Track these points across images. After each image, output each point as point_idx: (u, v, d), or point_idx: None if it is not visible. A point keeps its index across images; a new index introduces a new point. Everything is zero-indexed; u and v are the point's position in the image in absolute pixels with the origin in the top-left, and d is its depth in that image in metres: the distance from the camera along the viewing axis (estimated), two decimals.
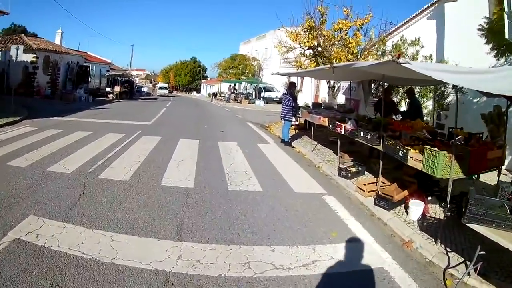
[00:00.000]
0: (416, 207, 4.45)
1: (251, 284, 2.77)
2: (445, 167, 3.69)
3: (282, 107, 9.11)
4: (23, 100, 14.78)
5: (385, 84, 8.96)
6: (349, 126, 5.65)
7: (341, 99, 12.95)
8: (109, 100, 23.15)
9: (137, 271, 2.79)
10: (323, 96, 14.18)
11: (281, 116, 9.27)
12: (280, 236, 3.67)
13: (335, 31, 10.76)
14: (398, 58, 3.15)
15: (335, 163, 7.06)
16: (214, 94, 36.61)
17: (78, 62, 25.20)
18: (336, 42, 10.54)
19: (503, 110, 4.86)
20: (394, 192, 4.82)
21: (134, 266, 2.86)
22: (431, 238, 3.83)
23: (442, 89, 8.09)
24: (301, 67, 11.87)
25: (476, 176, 4.90)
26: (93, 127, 9.73)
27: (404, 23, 11.42)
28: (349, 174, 5.89)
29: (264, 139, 9.96)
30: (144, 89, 41.40)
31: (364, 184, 5.42)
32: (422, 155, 4.03)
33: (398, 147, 4.17)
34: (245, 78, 35.62)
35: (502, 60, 6.22)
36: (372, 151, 6.19)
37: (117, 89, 25.36)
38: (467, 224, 2.77)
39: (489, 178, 5.46)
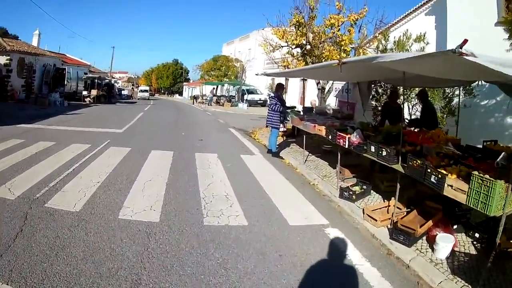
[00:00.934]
0: (446, 243, 3.47)
1: None
2: (501, 200, 2.67)
3: (268, 112, 7.91)
4: None
5: (388, 85, 8.00)
6: (354, 138, 4.51)
7: (331, 101, 11.95)
8: (86, 104, 21.67)
9: None
10: (311, 98, 13.12)
11: (267, 123, 8.10)
12: None
13: (326, 27, 9.69)
14: (461, 48, 2.07)
15: (332, 179, 6.01)
16: (196, 97, 35.33)
17: (55, 65, 23.31)
18: (328, 40, 9.50)
19: None
20: (416, 223, 3.80)
21: None
22: (467, 285, 2.93)
23: (448, 90, 7.19)
24: (288, 67, 10.82)
25: None
26: (58, 136, 8.59)
27: (400, 19, 10.56)
28: (353, 196, 4.83)
29: (249, 149, 8.79)
30: (125, 92, 40.70)
31: (374, 210, 4.37)
32: (460, 179, 3.02)
33: (429, 170, 3.09)
34: (227, 80, 34.38)
35: None
36: (375, 162, 4.71)
37: (94, 92, 23.87)
38: None
39: None
